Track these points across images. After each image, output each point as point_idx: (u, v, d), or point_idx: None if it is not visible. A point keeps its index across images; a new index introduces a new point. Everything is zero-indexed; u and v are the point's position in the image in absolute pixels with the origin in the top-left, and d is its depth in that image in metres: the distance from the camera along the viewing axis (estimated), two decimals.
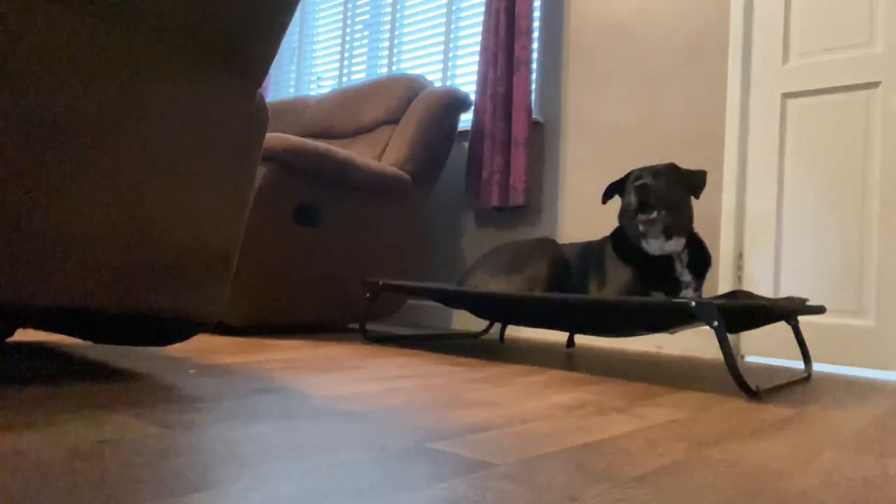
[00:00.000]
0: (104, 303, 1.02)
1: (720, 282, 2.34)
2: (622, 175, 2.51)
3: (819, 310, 1.70)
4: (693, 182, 1.83)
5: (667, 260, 1.80)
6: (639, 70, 2.61)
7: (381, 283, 2.03)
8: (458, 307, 2.20)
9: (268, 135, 2.18)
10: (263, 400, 1.01)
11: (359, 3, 3.79)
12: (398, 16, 3.55)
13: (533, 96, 2.87)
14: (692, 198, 1.85)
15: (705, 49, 2.46)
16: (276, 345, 1.85)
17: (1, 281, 0.90)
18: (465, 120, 3.02)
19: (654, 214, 1.74)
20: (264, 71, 1.20)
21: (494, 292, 1.78)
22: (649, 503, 0.60)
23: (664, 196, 1.76)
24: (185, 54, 1.08)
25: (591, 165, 2.70)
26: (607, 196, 1.97)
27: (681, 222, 1.80)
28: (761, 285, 2.29)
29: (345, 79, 3.83)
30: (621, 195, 1.95)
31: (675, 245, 1.79)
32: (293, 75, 4.12)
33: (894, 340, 2.04)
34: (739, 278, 2.35)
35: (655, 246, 1.80)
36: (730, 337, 2.25)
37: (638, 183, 1.75)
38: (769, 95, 2.34)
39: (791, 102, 2.30)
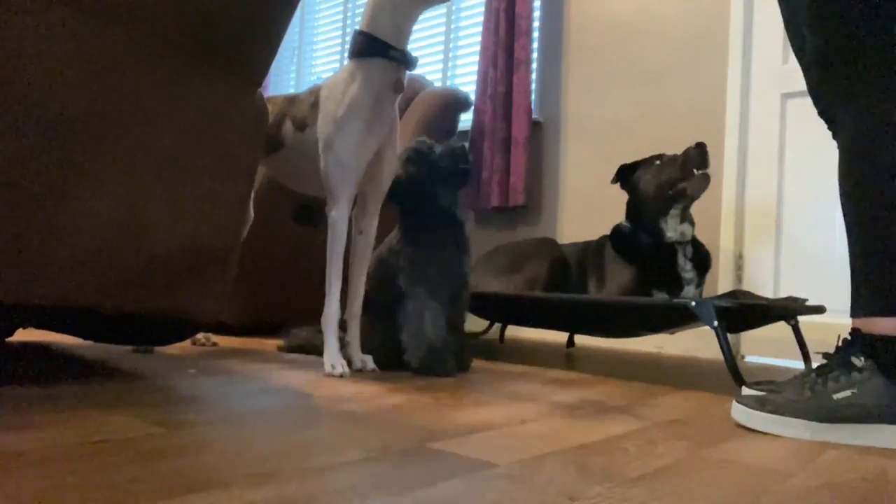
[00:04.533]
0: (103, 303, 1.02)
1: (720, 282, 2.34)
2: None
3: (819, 310, 1.70)
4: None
5: (670, 253, 1.79)
6: (639, 70, 2.61)
7: None
8: None
9: None
10: (263, 400, 1.01)
11: (359, 3, 3.79)
12: None
13: (533, 96, 2.87)
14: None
15: (705, 49, 2.46)
16: (275, 345, 1.85)
17: (1, 281, 0.90)
18: (465, 120, 3.02)
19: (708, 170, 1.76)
20: (264, 71, 1.20)
21: (495, 292, 1.78)
22: (649, 503, 0.60)
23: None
24: (186, 55, 1.08)
25: (591, 165, 2.70)
26: (619, 176, 1.96)
27: (689, 209, 1.81)
28: (761, 285, 2.29)
29: None
30: (632, 182, 1.93)
31: (688, 230, 1.81)
32: (293, 75, 4.12)
33: None
34: (739, 278, 2.35)
35: (673, 226, 1.80)
36: (730, 337, 2.24)
37: (697, 143, 1.77)
38: (769, 95, 2.34)
39: (791, 102, 2.30)
